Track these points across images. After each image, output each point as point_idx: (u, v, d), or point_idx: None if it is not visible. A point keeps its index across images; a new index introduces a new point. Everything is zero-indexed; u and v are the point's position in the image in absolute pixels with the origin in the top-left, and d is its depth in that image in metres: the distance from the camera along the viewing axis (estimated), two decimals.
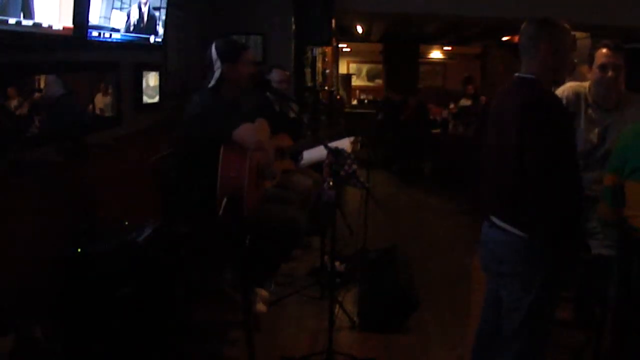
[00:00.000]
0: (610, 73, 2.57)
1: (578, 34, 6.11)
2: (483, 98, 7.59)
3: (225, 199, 2.56)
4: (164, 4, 3.50)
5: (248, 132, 2.63)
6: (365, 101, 13.23)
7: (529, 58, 2.00)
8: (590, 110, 2.70)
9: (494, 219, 2.06)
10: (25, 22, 2.11)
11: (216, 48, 2.78)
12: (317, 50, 6.06)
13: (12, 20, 2.03)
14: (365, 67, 14.14)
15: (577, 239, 1.97)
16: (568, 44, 2.01)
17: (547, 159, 1.87)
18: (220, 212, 2.56)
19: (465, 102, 8.13)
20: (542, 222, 1.90)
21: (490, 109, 2.17)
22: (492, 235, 2.07)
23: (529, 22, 2.02)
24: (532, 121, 1.88)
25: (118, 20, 2.94)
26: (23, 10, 2.10)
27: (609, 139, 2.66)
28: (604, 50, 2.59)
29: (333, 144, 2.89)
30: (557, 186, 1.87)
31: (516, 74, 2.05)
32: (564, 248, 1.97)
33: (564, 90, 2.75)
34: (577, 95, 2.72)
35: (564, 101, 2.69)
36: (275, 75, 3.98)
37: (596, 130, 2.68)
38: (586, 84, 2.74)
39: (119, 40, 2.99)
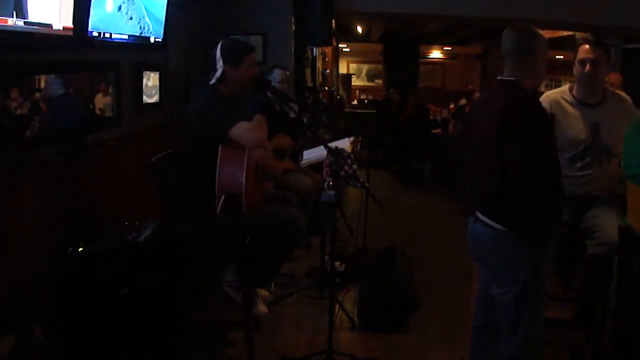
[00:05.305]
0: (587, 68, 2.65)
1: (578, 34, 6.12)
2: (476, 94, 7.63)
3: (223, 197, 2.56)
4: (164, 4, 3.49)
5: (245, 129, 2.63)
6: (365, 101, 13.24)
7: (512, 63, 2.07)
8: (572, 109, 2.71)
9: (478, 214, 2.15)
10: (25, 22, 2.11)
11: (221, 47, 2.78)
12: (317, 50, 6.05)
13: (12, 20, 2.03)
14: (365, 67, 14.16)
15: (555, 229, 2.09)
16: (546, 51, 2.10)
17: (526, 157, 1.93)
18: (219, 210, 2.56)
19: (464, 101, 8.14)
20: (523, 217, 1.97)
21: (474, 109, 2.22)
22: (477, 230, 2.15)
23: (513, 29, 2.11)
24: (512, 120, 1.95)
25: (118, 20, 2.94)
26: (23, 10, 2.10)
27: (603, 135, 2.66)
28: (584, 46, 2.68)
29: (333, 144, 2.89)
30: (537, 183, 1.93)
31: (498, 77, 2.12)
32: (545, 239, 2.06)
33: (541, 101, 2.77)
34: (553, 103, 2.75)
35: None
36: (275, 75, 3.97)
37: (584, 128, 2.68)
38: (565, 88, 2.79)
39: (119, 40, 2.98)
